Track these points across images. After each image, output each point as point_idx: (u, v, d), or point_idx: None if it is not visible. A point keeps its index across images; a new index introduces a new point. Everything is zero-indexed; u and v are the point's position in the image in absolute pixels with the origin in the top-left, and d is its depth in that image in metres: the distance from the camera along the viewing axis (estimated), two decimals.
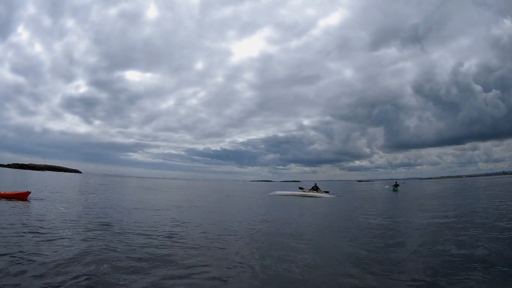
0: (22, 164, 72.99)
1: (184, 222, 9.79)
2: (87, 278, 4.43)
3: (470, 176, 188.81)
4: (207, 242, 7.12)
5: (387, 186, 35.74)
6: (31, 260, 5.08)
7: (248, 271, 5.08)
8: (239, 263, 5.48)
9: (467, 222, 9.57)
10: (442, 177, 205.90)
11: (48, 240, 6.47)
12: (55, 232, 7.30)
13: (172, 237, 7.44)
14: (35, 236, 6.68)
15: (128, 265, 5.15)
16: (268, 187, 50.51)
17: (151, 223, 9.34)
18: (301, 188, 27.59)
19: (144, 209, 12.99)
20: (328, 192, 26.26)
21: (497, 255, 5.65)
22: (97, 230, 7.85)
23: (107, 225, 8.70)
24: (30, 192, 13.08)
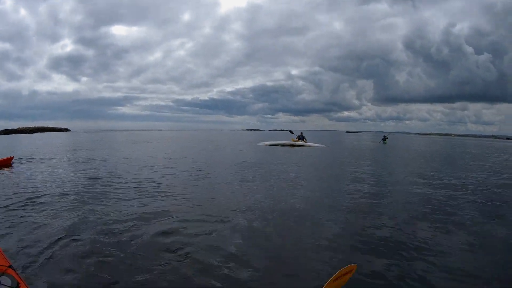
0: (11, 129, 71.43)
1: (172, 174, 9.94)
2: (76, 238, 4.45)
3: (459, 135, 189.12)
4: (197, 194, 7.27)
5: (379, 141, 37.31)
6: (19, 221, 5.16)
7: (237, 225, 5.14)
8: (228, 216, 5.58)
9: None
10: (431, 134, 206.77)
11: (33, 201, 6.49)
12: (40, 192, 7.30)
13: (159, 189, 7.58)
14: (20, 200, 6.61)
15: (118, 221, 5.19)
16: (257, 137, 50.80)
17: (139, 176, 9.41)
18: (291, 132, 27.73)
19: (132, 162, 12.93)
20: (305, 141, 26.01)
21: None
22: (84, 186, 7.95)
23: (94, 179, 8.91)
24: (13, 157, 13.16)
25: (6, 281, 2.43)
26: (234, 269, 3.51)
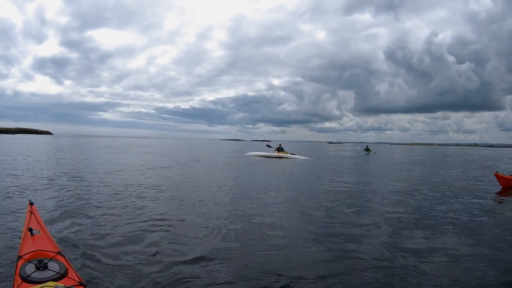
0: None
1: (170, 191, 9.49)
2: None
3: (441, 145, 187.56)
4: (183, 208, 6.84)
5: (358, 147, 37.76)
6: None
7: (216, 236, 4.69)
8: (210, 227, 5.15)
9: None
10: (413, 144, 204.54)
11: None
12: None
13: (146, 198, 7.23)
14: None
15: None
16: (240, 147, 50.50)
17: (119, 187, 8.63)
18: (268, 146, 27.51)
19: (113, 171, 12.20)
20: (293, 154, 25.83)
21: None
22: (60, 190, 7.65)
23: (74, 180, 8.77)
24: None
25: (54, 266, 2.38)
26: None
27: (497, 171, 10.55)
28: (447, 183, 11.50)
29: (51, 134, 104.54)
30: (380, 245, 4.40)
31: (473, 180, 12.42)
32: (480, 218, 6.10)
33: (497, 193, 9.29)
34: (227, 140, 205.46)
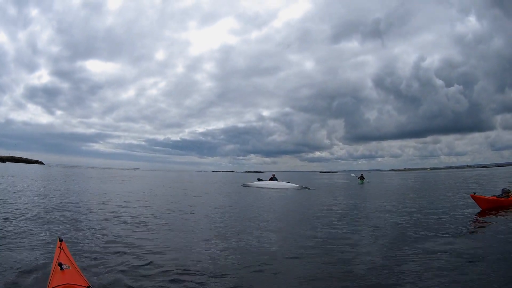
0: None
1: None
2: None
3: (434, 169, 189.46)
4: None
5: (352, 174, 36.27)
6: None
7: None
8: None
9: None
10: (405, 169, 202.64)
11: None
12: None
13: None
14: None
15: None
16: (234, 179, 49.73)
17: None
18: (259, 180, 26.62)
19: (104, 204, 11.22)
20: (288, 182, 25.03)
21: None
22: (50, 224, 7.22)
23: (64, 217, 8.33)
24: None
25: None
26: None
27: (474, 193, 10.07)
28: (431, 207, 10.71)
29: (43, 163, 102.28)
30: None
31: (455, 204, 11.56)
32: (462, 241, 6.00)
33: (477, 215, 8.93)
34: (218, 171, 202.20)
